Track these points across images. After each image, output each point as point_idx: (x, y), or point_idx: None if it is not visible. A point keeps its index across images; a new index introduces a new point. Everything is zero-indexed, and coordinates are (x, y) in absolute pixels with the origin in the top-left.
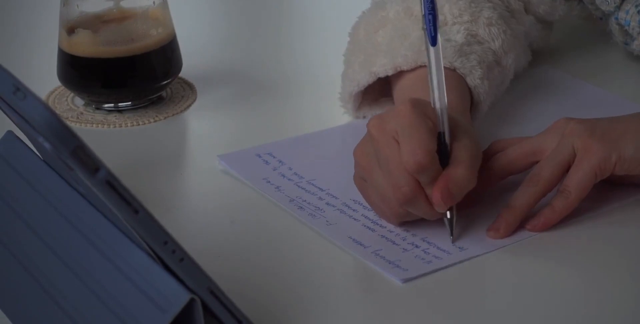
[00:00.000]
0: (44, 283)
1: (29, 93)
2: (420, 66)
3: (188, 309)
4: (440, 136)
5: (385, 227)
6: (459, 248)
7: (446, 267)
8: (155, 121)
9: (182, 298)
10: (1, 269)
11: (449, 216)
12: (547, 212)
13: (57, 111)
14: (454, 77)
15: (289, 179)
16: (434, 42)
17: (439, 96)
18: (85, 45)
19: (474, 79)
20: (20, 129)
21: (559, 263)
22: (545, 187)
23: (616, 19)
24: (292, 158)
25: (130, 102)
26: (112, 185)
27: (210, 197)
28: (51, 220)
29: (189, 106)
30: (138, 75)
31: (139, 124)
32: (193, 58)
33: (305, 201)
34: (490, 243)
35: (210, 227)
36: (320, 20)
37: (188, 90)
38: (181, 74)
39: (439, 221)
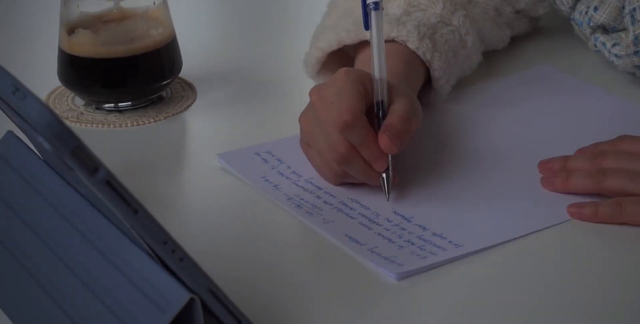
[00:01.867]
0: (44, 283)
1: (28, 93)
2: (365, 41)
3: (188, 309)
4: (379, 105)
5: (382, 225)
6: (455, 244)
7: (441, 263)
8: (155, 121)
9: (181, 297)
10: (1, 269)
11: (384, 176)
12: (588, 212)
13: (57, 111)
14: (395, 46)
15: (287, 178)
16: (376, 6)
17: (378, 67)
18: (85, 45)
19: (413, 42)
20: (20, 129)
21: (556, 260)
22: (606, 191)
23: (573, 20)
24: (291, 157)
25: (130, 102)
26: (112, 185)
27: (210, 197)
28: (51, 220)
29: (189, 105)
30: (138, 75)
31: (139, 124)
32: (193, 58)
33: (302, 199)
34: (485, 239)
35: (210, 227)
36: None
37: (188, 90)
38: (181, 74)
39: (438, 217)
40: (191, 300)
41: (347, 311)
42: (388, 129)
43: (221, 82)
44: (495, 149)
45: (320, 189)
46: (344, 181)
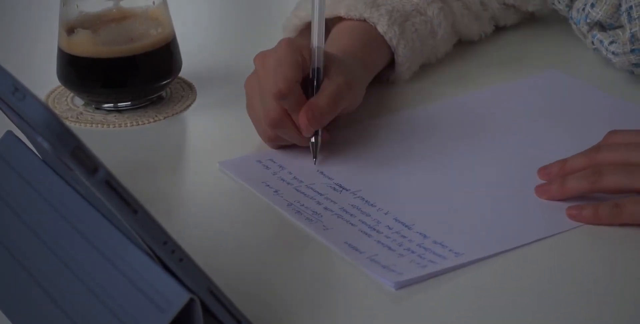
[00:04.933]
0: (44, 282)
1: (28, 93)
2: (338, 17)
3: (187, 309)
4: (314, 72)
5: (382, 233)
6: (455, 253)
7: (441, 272)
8: (155, 121)
9: (181, 298)
10: (1, 269)
11: (313, 140)
12: (588, 214)
13: (57, 111)
14: (365, 27)
15: (288, 183)
16: None
17: (317, 36)
18: (84, 45)
19: (383, 26)
20: (19, 129)
21: (557, 268)
22: (604, 190)
23: (571, 18)
24: (293, 163)
25: (129, 102)
26: (111, 185)
27: (210, 197)
28: (51, 220)
29: (189, 105)
30: (138, 75)
31: (138, 124)
32: (193, 58)
33: (303, 205)
34: (486, 248)
35: (210, 227)
36: None
37: (188, 90)
38: (181, 74)
39: (439, 224)
40: (191, 300)
41: (345, 320)
42: (310, 108)
43: (221, 82)
44: (499, 155)
45: (321, 195)
46: (278, 143)
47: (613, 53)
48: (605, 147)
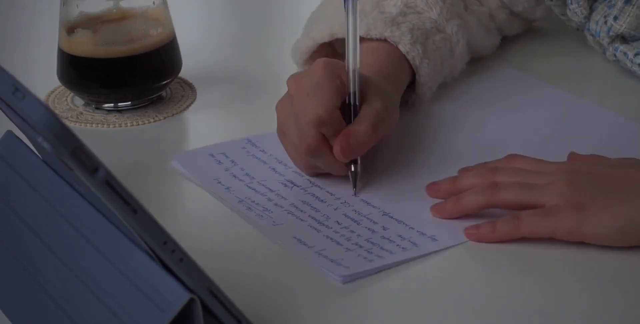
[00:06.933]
0: (44, 283)
1: (28, 93)
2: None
3: (187, 309)
4: (350, 96)
5: (331, 228)
6: (402, 248)
7: (388, 266)
8: (155, 121)
9: (181, 298)
10: (1, 269)
11: (352, 169)
12: (486, 231)
13: (57, 111)
14: (386, 47)
15: (240, 180)
16: None
17: (352, 58)
18: (85, 45)
19: (405, 45)
20: (19, 129)
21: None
22: (501, 204)
23: (588, 30)
24: (244, 159)
25: (130, 102)
26: (111, 185)
27: (210, 197)
28: (51, 220)
29: (189, 105)
30: (138, 75)
31: (138, 124)
32: (193, 58)
33: (254, 201)
34: (433, 244)
35: (210, 227)
36: None
37: (187, 90)
38: (181, 74)
39: (386, 220)
40: (191, 300)
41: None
42: (348, 136)
43: (221, 82)
44: (457, 151)
45: (272, 191)
46: (314, 171)
47: (639, 65)
48: (503, 170)
